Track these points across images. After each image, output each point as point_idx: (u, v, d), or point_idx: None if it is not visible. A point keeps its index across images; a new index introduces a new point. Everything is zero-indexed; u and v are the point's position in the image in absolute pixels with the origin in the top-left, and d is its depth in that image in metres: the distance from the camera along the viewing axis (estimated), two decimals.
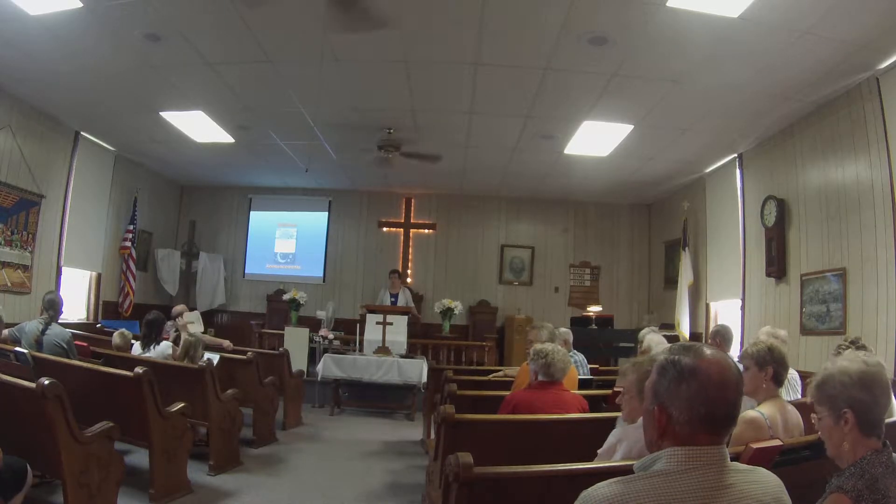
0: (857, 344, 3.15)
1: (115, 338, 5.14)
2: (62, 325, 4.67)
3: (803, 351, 5.53)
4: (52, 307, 4.52)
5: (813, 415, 1.63)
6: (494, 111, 6.31)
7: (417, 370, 6.75)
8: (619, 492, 1.10)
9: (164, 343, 4.98)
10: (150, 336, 4.96)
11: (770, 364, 2.41)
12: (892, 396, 2.98)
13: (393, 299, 8.87)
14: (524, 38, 4.70)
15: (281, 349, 6.63)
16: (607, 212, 10.39)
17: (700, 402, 1.13)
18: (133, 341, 5.29)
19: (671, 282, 9.05)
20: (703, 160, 7.61)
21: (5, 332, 4.45)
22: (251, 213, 10.72)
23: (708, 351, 1.18)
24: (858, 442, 1.48)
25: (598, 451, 2.36)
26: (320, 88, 5.75)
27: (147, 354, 4.86)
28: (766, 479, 1.22)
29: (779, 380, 2.40)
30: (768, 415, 2.25)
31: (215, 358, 4.97)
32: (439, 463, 2.72)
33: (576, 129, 6.59)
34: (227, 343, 6.31)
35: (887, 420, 1.55)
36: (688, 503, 1.09)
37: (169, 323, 5.99)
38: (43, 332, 4.37)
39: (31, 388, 2.75)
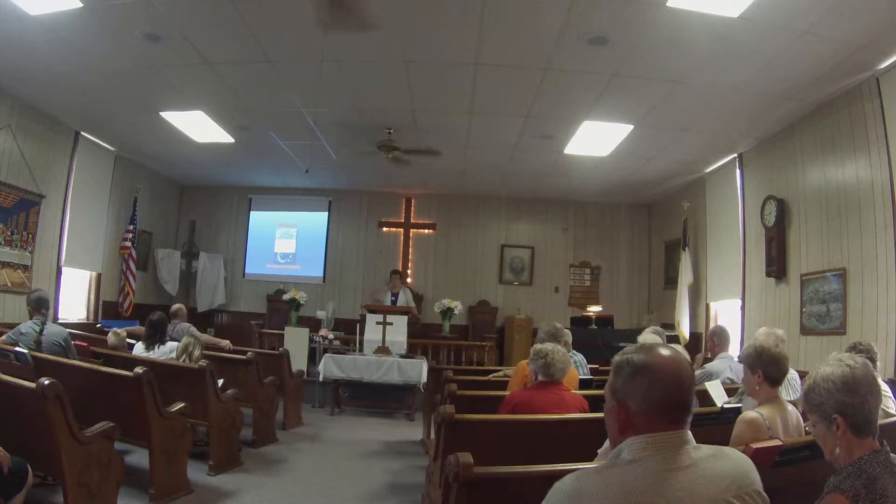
0: (857, 349, 3.14)
1: (110, 337, 5.15)
2: (62, 324, 4.67)
3: (803, 351, 5.53)
4: (45, 305, 4.50)
5: (807, 422, 1.63)
6: (494, 111, 6.31)
7: (417, 370, 6.75)
8: (584, 486, 1.15)
9: (169, 344, 4.97)
10: (155, 336, 4.96)
11: (759, 367, 2.37)
12: (889, 392, 2.97)
13: (393, 299, 8.88)
14: (524, 38, 4.70)
15: (281, 349, 6.63)
16: (607, 212, 10.39)
17: (654, 392, 1.20)
18: (130, 340, 5.30)
19: (671, 282, 9.05)
20: (703, 160, 7.61)
21: (3, 337, 4.44)
22: (251, 213, 10.73)
23: (661, 349, 1.26)
24: (854, 444, 1.48)
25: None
26: (320, 88, 5.76)
27: (149, 354, 4.87)
28: (734, 458, 1.25)
29: (772, 381, 2.35)
30: (767, 416, 2.25)
31: None
32: (439, 463, 2.72)
33: (576, 129, 6.59)
34: (226, 343, 6.31)
35: (887, 420, 1.55)
36: (648, 485, 1.12)
37: (169, 326, 5.98)
38: (40, 332, 4.36)
39: (31, 388, 2.75)
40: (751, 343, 2.53)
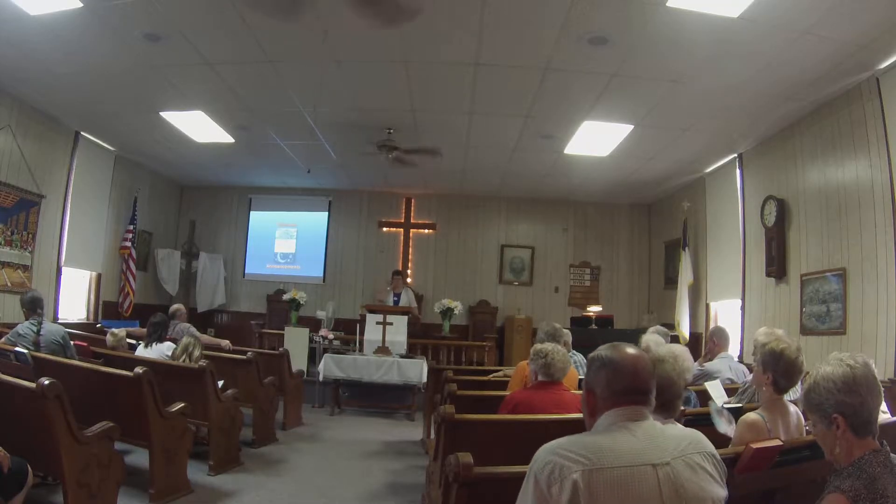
0: None
1: (108, 338, 5.17)
2: (62, 324, 4.67)
3: (803, 351, 5.51)
4: (39, 305, 4.52)
5: (807, 422, 1.63)
6: (494, 111, 6.31)
7: (417, 370, 6.75)
8: (563, 440, 1.38)
9: (166, 343, 4.99)
10: (154, 335, 5.00)
11: (770, 370, 2.31)
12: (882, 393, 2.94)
13: (396, 299, 8.91)
14: (524, 38, 4.70)
15: (281, 349, 6.63)
16: (607, 212, 10.39)
17: (615, 382, 1.44)
18: (130, 340, 5.31)
19: (671, 282, 9.05)
20: (703, 160, 7.61)
21: (2, 340, 4.45)
22: (251, 213, 10.73)
23: (627, 348, 1.51)
24: (854, 444, 1.47)
25: None
26: (320, 88, 5.76)
27: (145, 352, 4.87)
28: (690, 430, 1.48)
29: (779, 388, 2.30)
30: (768, 418, 2.24)
31: None
32: (439, 463, 2.72)
33: (576, 129, 6.59)
34: (226, 343, 6.32)
35: (887, 420, 1.54)
36: (616, 441, 1.34)
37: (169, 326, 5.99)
38: (38, 332, 4.37)
39: (31, 388, 2.75)
40: (775, 341, 2.43)
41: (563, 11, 4.22)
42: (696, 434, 1.46)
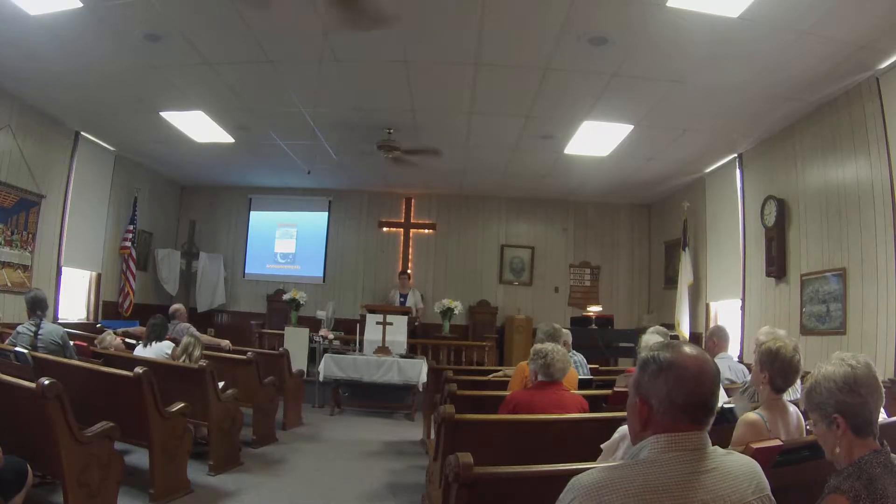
0: None
1: (98, 344, 5.19)
2: (62, 324, 4.68)
3: (803, 351, 5.49)
4: (40, 306, 4.53)
5: (808, 421, 1.63)
6: (494, 111, 6.30)
7: (417, 370, 6.76)
8: (605, 477, 1.14)
9: (165, 342, 4.99)
10: (151, 336, 5.01)
11: (767, 369, 2.32)
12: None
13: (402, 300, 8.95)
14: (524, 38, 4.70)
15: (281, 349, 6.63)
16: (607, 212, 10.39)
17: (678, 392, 1.21)
18: (130, 340, 5.33)
19: (671, 282, 9.05)
20: (703, 160, 7.61)
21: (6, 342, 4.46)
22: (251, 213, 10.73)
23: (687, 348, 1.27)
24: (854, 444, 1.47)
25: (602, 446, 2.38)
26: (320, 88, 5.76)
27: (144, 352, 4.88)
28: (747, 461, 1.28)
29: (776, 387, 2.31)
30: (768, 418, 2.24)
31: None
32: (439, 463, 2.72)
33: (576, 129, 6.59)
34: (226, 343, 6.32)
35: (887, 420, 1.54)
36: (671, 485, 1.13)
37: (169, 326, 5.99)
38: (36, 333, 4.37)
39: (31, 388, 2.75)
40: (773, 341, 2.43)
41: (563, 11, 4.22)
42: (757, 470, 1.27)
